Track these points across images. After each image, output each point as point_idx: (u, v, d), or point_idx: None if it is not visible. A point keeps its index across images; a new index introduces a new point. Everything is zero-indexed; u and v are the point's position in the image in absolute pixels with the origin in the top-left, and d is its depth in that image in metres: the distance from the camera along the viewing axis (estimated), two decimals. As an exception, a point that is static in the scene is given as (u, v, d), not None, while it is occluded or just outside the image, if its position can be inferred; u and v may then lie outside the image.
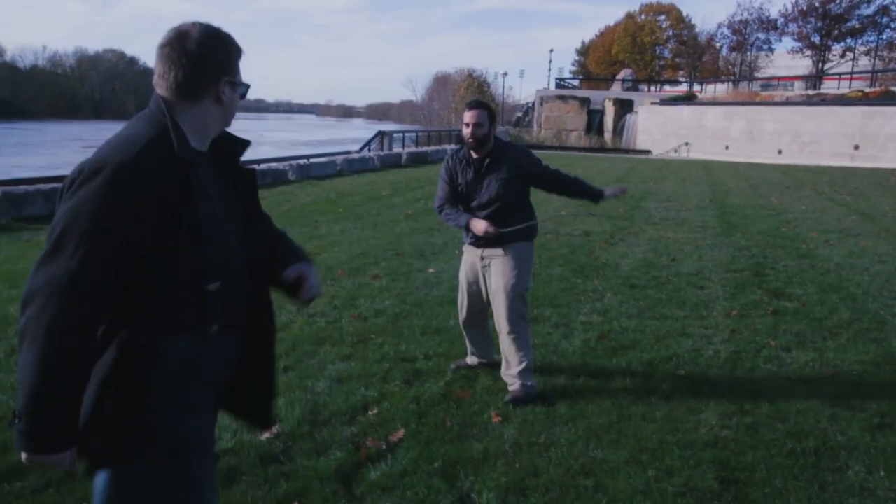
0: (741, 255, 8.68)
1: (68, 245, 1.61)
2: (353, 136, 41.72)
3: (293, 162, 18.73)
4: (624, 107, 44.66)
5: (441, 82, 78.64)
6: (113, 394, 1.69)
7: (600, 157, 32.78)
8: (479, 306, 4.38)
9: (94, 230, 1.61)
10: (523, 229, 4.18)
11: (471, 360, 4.53)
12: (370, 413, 3.81)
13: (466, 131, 4.09)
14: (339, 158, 21.10)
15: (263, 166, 17.40)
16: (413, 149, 27.92)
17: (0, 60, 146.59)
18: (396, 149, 27.19)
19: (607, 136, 44.44)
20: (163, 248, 1.68)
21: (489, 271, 4.21)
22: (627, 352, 4.93)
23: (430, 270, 7.30)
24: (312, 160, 19.85)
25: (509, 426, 3.72)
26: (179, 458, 1.76)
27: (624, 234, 10.01)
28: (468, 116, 4.09)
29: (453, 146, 30.70)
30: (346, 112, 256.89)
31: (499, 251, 4.15)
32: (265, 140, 56.02)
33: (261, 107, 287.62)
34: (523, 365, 4.05)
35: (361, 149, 25.57)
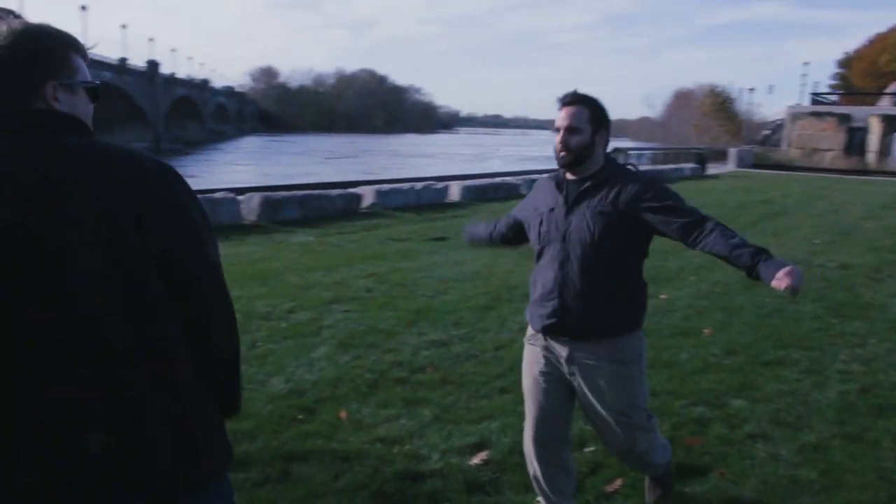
0: None
1: None
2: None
3: (526, 176, 18.87)
4: (892, 124, 39.69)
5: (681, 98, 75.67)
6: None
7: (861, 180, 29.32)
8: (558, 424, 2.80)
9: None
10: (619, 311, 2.64)
11: None
12: (586, 450, 3.53)
13: (557, 141, 2.61)
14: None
15: (497, 179, 17.71)
16: (649, 167, 26.96)
17: (275, 82, 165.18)
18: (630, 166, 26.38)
19: (870, 156, 39.70)
20: None
21: (578, 381, 2.69)
22: (898, 412, 4.17)
23: (662, 297, 6.82)
24: (545, 175, 19.88)
25: (744, 487, 3.24)
26: None
27: (892, 270, 8.71)
28: (560, 117, 2.61)
29: (691, 165, 29.05)
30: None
31: (587, 351, 2.63)
32: (496, 155, 57.34)
33: (498, 122, 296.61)
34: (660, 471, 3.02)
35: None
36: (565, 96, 2.62)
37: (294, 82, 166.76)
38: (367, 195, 14.35)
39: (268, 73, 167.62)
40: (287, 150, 63.25)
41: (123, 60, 63.10)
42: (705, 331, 5.69)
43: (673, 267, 8.23)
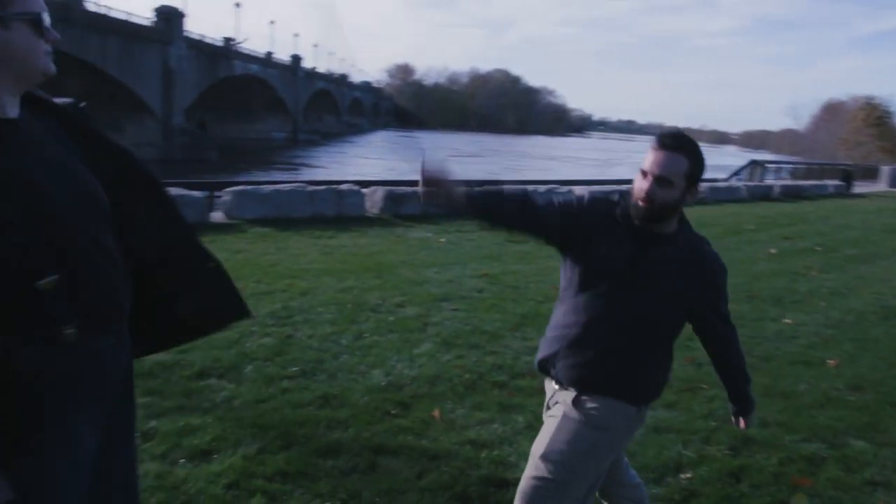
0: None
1: None
2: (721, 163, 39.56)
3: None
4: None
5: (831, 110, 71.08)
6: None
7: None
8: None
9: None
10: (631, 377, 2.26)
11: None
12: (682, 476, 3.36)
13: (640, 187, 2.15)
14: (703, 186, 20.06)
15: (624, 186, 17.22)
16: (787, 182, 25.56)
17: (410, 78, 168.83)
18: (768, 180, 25.09)
19: None
20: None
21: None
22: None
23: (786, 321, 6.41)
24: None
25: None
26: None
27: None
28: (651, 160, 2.14)
29: (835, 182, 26.88)
30: (718, 138, 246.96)
31: (568, 394, 2.27)
32: (624, 161, 55.98)
33: (631, 128, 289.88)
34: None
35: (729, 177, 24.10)
36: (664, 137, 2.17)
37: (429, 80, 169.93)
38: (489, 195, 14.39)
39: (404, 70, 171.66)
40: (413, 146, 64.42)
41: (269, 54, 66.39)
42: (830, 362, 5.30)
43: (802, 290, 7.72)
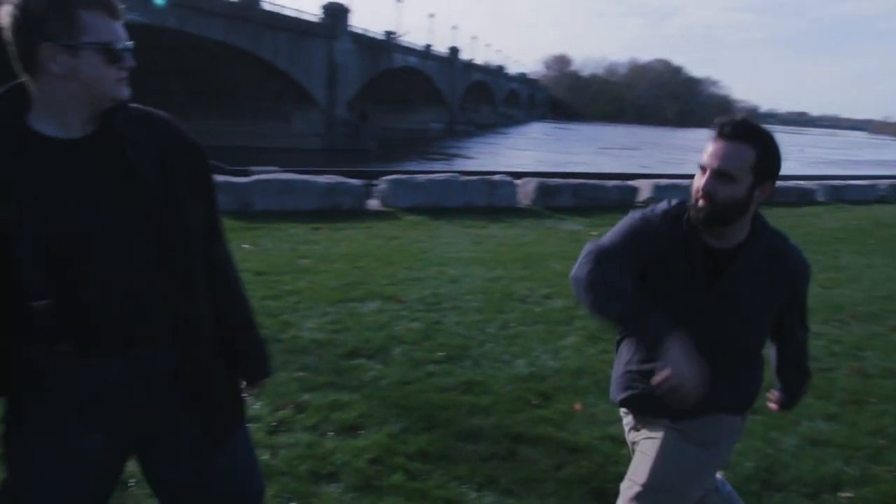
0: None
1: None
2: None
3: (824, 182, 17.02)
4: None
5: None
6: None
7: None
8: None
9: None
10: (724, 391, 2.00)
11: None
12: (840, 495, 3.13)
13: (697, 184, 1.91)
14: (884, 183, 18.44)
15: (790, 183, 16.18)
16: None
17: (567, 69, 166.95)
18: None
19: None
20: None
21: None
22: None
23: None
24: (849, 182, 17.78)
25: None
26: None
27: None
28: (709, 152, 1.90)
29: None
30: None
31: (660, 423, 2.06)
32: (793, 156, 52.26)
33: (803, 120, 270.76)
34: None
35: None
36: (724, 125, 1.89)
37: (586, 71, 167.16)
38: (645, 189, 13.98)
39: (560, 61, 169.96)
40: (567, 138, 63.75)
41: (428, 47, 67.81)
42: None
43: None
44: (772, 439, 3.60)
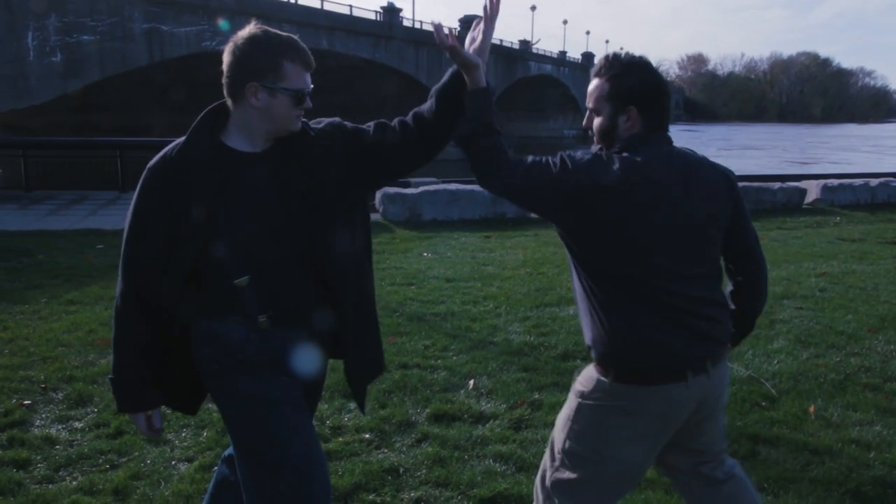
0: None
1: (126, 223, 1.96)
2: None
3: None
4: None
5: None
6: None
7: None
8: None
9: (131, 212, 1.93)
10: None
11: None
12: None
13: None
14: None
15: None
16: None
17: (703, 69, 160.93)
18: None
19: None
20: (176, 240, 1.87)
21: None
22: None
23: None
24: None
25: None
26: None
27: None
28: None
29: None
30: None
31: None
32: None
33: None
34: None
35: None
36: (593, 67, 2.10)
37: (723, 69, 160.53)
38: (813, 190, 13.38)
39: (696, 61, 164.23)
40: (692, 141, 61.37)
41: (563, 54, 67.57)
42: None
43: None
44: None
